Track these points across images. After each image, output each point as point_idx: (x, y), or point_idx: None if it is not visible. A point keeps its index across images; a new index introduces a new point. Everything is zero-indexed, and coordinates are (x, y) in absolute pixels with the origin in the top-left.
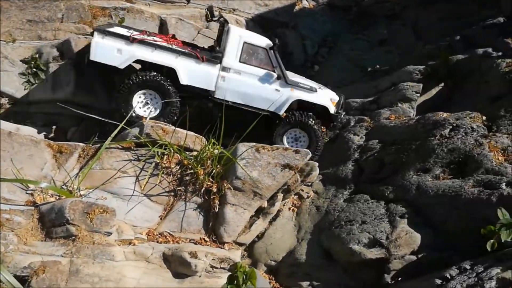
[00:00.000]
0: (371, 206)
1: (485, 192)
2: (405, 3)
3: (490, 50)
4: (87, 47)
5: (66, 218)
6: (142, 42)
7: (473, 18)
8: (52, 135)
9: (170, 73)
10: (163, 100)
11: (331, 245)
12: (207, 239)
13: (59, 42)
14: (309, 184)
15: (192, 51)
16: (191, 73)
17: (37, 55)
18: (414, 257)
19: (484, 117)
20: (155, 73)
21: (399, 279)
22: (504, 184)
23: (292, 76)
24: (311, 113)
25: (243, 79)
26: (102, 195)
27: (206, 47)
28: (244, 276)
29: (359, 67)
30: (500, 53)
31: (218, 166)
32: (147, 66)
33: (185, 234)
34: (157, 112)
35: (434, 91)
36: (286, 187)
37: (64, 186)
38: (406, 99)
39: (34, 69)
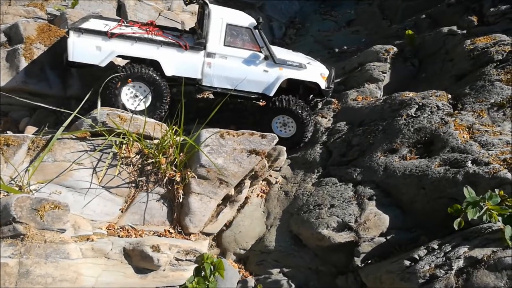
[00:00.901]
0: (340, 189)
1: (451, 171)
2: None
3: (454, 28)
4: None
5: (13, 216)
6: (120, 36)
7: None
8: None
9: (154, 65)
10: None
11: (300, 230)
12: (172, 230)
13: (6, 27)
14: (277, 169)
15: (174, 39)
16: (175, 63)
17: None
18: (383, 239)
19: (449, 96)
20: (144, 66)
21: (369, 261)
22: (469, 162)
23: (278, 52)
24: (297, 98)
25: (230, 63)
26: (56, 189)
27: (187, 29)
28: (212, 267)
29: (327, 48)
30: (464, 31)
31: (181, 154)
32: (130, 59)
33: (149, 226)
34: (147, 105)
35: (400, 71)
36: (253, 173)
37: (12, 182)
38: (373, 79)
39: None
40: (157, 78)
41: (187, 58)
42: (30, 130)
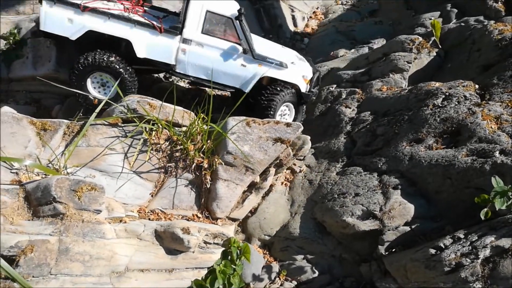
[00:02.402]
0: (364, 178)
1: (478, 161)
2: None
3: (481, 18)
4: None
5: (53, 196)
6: (94, 11)
7: None
8: (35, 113)
9: (128, 45)
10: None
11: (324, 218)
12: (199, 215)
13: (38, 16)
14: (302, 158)
15: (149, 20)
16: (148, 45)
17: (15, 30)
18: (408, 228)
19: (477, 86)
20: (106, 55)
21: (393, 250)
22: (497, 152)
23: (264, 46)
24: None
25: (206, 53)
26: (91, 173)
27: (177, 12)
28: (238, 251)
29: (350, 38)
30: (492, 21)
31: (209, 141)
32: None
33: (177, 211)
34: (111, 94)
35: (426, 61)
36: (278, 161)
37: (49, 165)
38: (398, 69)
39: (13, 45)
40: (122, 70)
41: (161, 42)
42: (63, 116)
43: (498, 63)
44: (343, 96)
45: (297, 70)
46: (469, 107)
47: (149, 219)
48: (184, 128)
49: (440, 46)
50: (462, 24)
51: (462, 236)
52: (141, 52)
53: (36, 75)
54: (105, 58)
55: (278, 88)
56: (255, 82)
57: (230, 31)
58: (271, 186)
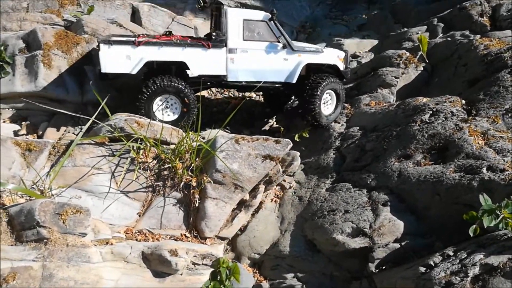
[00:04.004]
0: (354, 194)
1: (466, 177)
2: None
3: (467, 32)
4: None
5: (37, 221)
6: (147, 43)
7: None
8: (22, 131)
9: (180, 67)
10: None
11: (314, 235)
12: (188, 235)
13: (25, 33)
14: (291, 174)
15: (197, 40)
16: (201, 62)
17: (2, 47)
18: (397, 245)
19: (463, 101)
20: (173, 79)
21: (384, 267)
22: (485, 168)
23: (295, 43)
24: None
25: (251, 56)
26: (76, 194)
27: (203, 36)
28: (227, 272)
29: None
30: (478, 36)
31: (197, 159)
32: (155, 65)
33: (165, 230)
34: (176, 115)
35: (413, 76)
36: (267, 178)
37: (34, 186)
38: (385, 84)
39: (0, 62)
40: (182, 87)
41: (211, 56)
42: (50, 133)
43: (484, 78)
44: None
45: (331, 52)
46: (456, 122)
47: (137, 239)
48: (172, 146)
49: (427, 61)
50: (449, 38)
51: (451, 253)
52: (195, 70)
53: (22, 93)
54: (171, 82)
55: (319, 77)
56: (300, 71)
57: (267, 32)
58: (261, 203)
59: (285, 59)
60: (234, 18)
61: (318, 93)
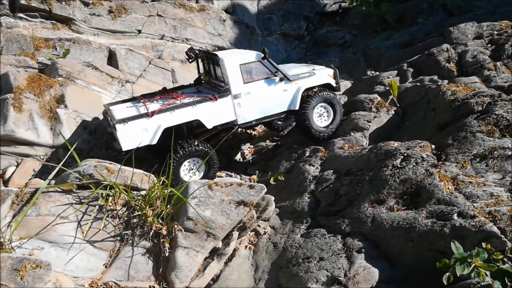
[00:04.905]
0: (328, 241)
1: (438, 224)
2: (355, 32)
3: (436, 77)
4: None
5: None
6: (160, 111)
7: (420, 46)
8: None
9: (192, 124)
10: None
11: (289, 284)
12: (157, 286)
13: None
14: (266, 219)
15: (203, 95)
16: (212, 115)
17: None
18: None
19: (433, 146)
20: (199, 142)
21: None
22: (455, 214)
23: (285, 68)
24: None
25: (255, 96)
26: (39, 245)
27: (192, 83)
28: None
29: None
30: (445, 81)
31: (168, 206)
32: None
33: (133, 282)
34: (201, 175)
35: (385, 119)
36: (241, 224)
37: None
38: (358, 128)
39: None
40: (207, 149)
41: (219, 107)
42: (16, 178)
43: (452, 123)
44: (307, 154)
45: (322, 72)
46: (427, 168)
47: None
48: (143, 192)
49: (398, 105)
50: (418, 83)
51: None
52: (209, 123)
53: None
54: (198, 146)
55: (309, 94)
56: (300, 97)
57: (263, 70)
58: (235, 250)
59: (285, 90)
60: (231, 65)
61: (309, 107)
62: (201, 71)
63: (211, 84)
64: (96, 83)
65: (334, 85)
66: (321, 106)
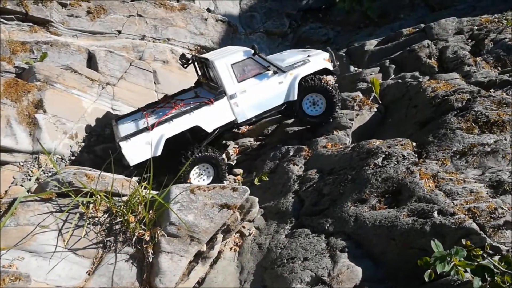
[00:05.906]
0: (312, 241)
1: (419, 222)
2: (338, 29)
3: (417, 74)
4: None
5: None
6: (158, 123)
7: (401, 42)
8: None
9: (194, 129)
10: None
11: (274, 285)
12: None
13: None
14: (251, 220)
15: (199, 100)
16: (210, 118)
17: None
18: None
19: (414, 143)
20: (208, 149)
21: None
22: (436, 212)
23: (279, 58)
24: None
25: (251, 93)
26: (19, 255)
27: (191, 87)
28: None
29: None
30: (426, 77)
31: (151, 211)
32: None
33: None
34: (210, 179)
35: (367, 117)
36: (225, 227)
37: None
38: (341, 127)
39: None
40: (216, 155)
41: (217, 109)
42: None
43: (433, 120)
44: (291, 153)
45: (318, 58)
46: (408, 166)
47: None
48: (125, 198)
49: (380, 102)
50: (400, 80)
51: None
52: (209, 127)
53: None
54: (207, 153)
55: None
56: (297, 87)
57: (255, 66)
58: (219, 252)
59: (280, 82)
60: (223, 66)
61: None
62: (199, 73)
63: (209, 86)
64: (76, 87)
65: (331, 68)
66: (312, 95)
